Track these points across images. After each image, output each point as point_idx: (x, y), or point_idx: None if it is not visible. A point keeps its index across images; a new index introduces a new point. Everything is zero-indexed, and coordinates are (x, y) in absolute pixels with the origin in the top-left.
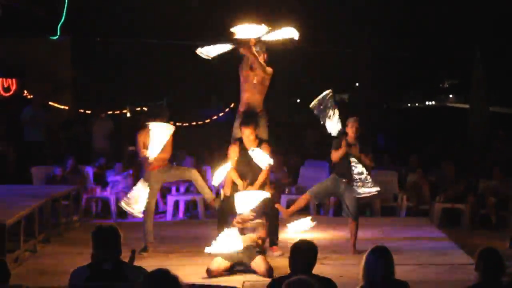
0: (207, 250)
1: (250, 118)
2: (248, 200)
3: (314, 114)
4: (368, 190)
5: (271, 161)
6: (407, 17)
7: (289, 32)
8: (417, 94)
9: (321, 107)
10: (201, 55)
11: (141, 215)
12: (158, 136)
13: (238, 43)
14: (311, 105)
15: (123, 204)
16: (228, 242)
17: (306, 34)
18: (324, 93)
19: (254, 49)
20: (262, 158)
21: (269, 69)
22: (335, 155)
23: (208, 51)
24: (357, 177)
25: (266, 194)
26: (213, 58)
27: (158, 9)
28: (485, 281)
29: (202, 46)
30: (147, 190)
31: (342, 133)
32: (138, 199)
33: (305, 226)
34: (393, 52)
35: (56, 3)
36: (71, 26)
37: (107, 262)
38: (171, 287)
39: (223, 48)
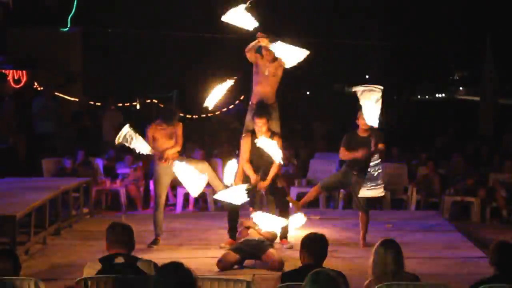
0: (216, 196)
1: (263, 110)
2: (266, 222)
3: (356, 95)
4: (373, 193)
5: (280, 155)
6: (418, 9)
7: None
8: (428, 86)
9: (367, 91)
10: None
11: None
12: (183, 173)
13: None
14: (355, 88)
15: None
16: (236, 195)
17: (318, 26)
18: (377, 87)
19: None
20: (273, 150)
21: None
22: (344, 155)
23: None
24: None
25: (285, 222)
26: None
27: (169, 1)
28: (500, 274)
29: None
30: (148, 148)
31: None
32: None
33: (297, 223)
34: (404, 45)
35: None
36: (81, 17)
37: (120, 256)
38: (185, 280)
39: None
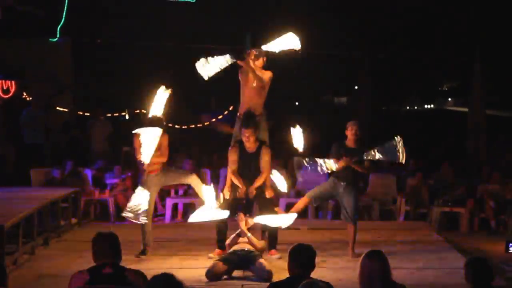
0: (190, 219)
1: (250, 120)
2: (271, 220)
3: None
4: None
5: (285, 189)
6: (406, 19)
7: (291, 41)
8: (416, 97)
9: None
10: (199, 69)
11: (145, 221)
12: (147, 141)
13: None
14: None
15: (126, 214)
16: (211, 212)
17: (305, 37)
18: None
19: (251, 62)
20: (280, 182)
21: (267, 76)
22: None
23: (207, 67)
24: None
25: (292, 217)
26: (209, 78)
27: (158, 13)
28: None
29: (200, 58)
30: (147, 195)
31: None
32: (139, 207)
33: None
34: (392, 55)
35: (56, 5)
36: (71, 28)
37: (107, 267)
38: None
39: (221, 62)
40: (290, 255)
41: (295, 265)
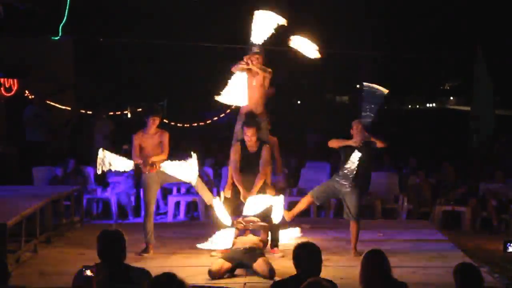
0: (199, 246)
1: (252, 119)
2: (258, 204)
3: (362, 93)
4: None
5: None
6: (408, 17)
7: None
8: (418, 96)
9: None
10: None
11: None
12: (173, 169)
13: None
14: (365, 84)
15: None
16: (222, 241)
17: (306, 35)
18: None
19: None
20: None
21: (267, 71)
22: (334, 142)
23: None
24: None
25: (278, 199)
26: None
27: (160, 10)
28: None
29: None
30: (130, 163)
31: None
32: (114, 162)
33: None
34: (394, 54)
35: (58, 3)
36: (73, 26)
37: (112, 264)
38: None
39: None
40: (293, 254)
41: (300, 263)
